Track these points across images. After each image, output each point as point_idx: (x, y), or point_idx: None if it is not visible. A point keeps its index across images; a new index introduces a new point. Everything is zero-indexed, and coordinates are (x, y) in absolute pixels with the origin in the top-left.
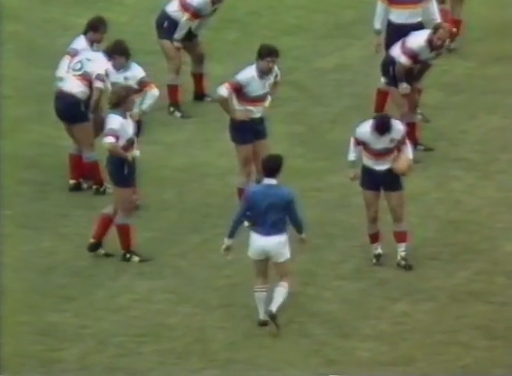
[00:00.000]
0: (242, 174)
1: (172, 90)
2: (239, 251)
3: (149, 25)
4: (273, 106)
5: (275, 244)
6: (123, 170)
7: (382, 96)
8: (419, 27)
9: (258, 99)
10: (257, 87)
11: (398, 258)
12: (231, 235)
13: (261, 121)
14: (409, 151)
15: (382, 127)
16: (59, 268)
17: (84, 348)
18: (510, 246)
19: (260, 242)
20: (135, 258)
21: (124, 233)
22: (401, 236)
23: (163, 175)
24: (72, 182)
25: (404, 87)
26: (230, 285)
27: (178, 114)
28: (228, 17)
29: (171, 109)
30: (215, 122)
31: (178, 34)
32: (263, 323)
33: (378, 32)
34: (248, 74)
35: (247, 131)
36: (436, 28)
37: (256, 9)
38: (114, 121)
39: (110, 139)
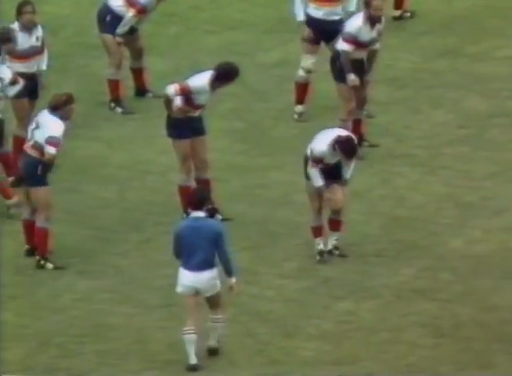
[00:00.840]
0: (182, 171)
1: (113, 85)
2: None
3: (90, 18)
4: (215, 102)
5: (206, 280)
6: (37, 170)
7: (301, 88)
8: (339, 23)
9: (201, 106)
10: (204, 97)
11: (330, 246)
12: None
13: (199, 118)
14: (350, 168)
15: (352, 153)
16: (3, 266)
17: (26, 348)
18: (455, 242)
19: (189, 278)
20: (49, 266)
21: (43, 237)
22: (335, 224)
23: (103, 173)
24: (11, 178)
25: (352, 79)
26: (171, 285)
27: (119, 110)
28: (169, 11)
29: (112, 104)
30: (157, 118)
31: (122, 29)
32: (192, 368)
33: (303, 23)
34: (201, 83)
35: (184, 127)
36: (367, 2)
37: (198, 4)
38: (58, 128)
39: (53, 151)
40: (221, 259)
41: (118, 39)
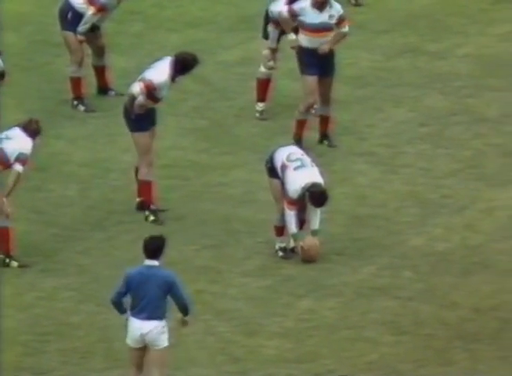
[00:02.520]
0: (143, 164)
1: (75, 83)
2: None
3: (52, 15)
4: (177, 100)
5: (153, 330)
6: None
7: (262, 85)
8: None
9: (162, 99)
10: (166, 90)
11: (292, 244)
12: (122, 311)
13: (154, 109)
14: (317, 216)
15: (321, 205)
16: None
17: None
18: (416, 240)
19: (137, 326)
20: (14, 264)
21: (4, 236)
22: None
23: (66, 171)
24: None
25: (290, 40)
26: None
27: (81, 108)
28: (131, 9)
29: (75, 102)
30: (120, 116)
31: (83, 27)
32: None
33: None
34: (163, 78)
35: (145, 120)
36: None
37: (160, 2)
38: (28, 145)
39: (21, 169)
40: (178, 305)
41: (80, 37)
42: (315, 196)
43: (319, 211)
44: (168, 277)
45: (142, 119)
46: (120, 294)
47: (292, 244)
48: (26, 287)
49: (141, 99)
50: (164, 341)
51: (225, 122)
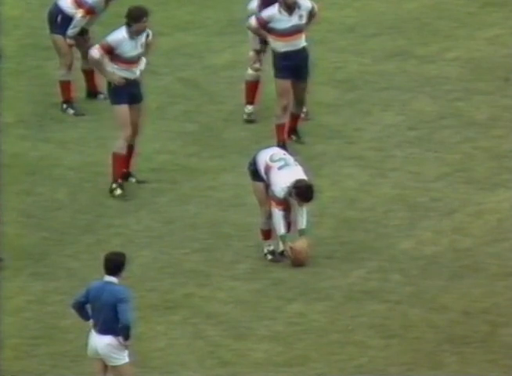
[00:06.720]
0: (120, 138)
1: (64, 86)
2: (133, 250)
3: (41, 19)
4: (166, 104)
5: (105, 346)
6: None
7: (251, 88)
8: None
9: (132, 61)
10: (129, 48)
11: (282, 248)
12: (86, 318)
13: (136, 84)
14: (304, 215)
15: (308, 199)
16: None
17: None
18: (406, 243)
19: (93, 340)
20: None
21: None
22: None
23: (55, 174)
24: None
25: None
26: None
27: (71, 111)
28: (119, 13)
29: (64, 106)
30: (109, 120)
31: (72, 31)
32: None
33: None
34: (118, 36)
35: (123, 93)
36: None
37: (148, 5)
38: None
39: None
40: (119, 324)
41: (69, 41)
42: (302, 190)
43: (305, 210)
44: (118, 292)
45: (118, 92)
46: (79, 303)
47: (281, 247)
48: (15, 290)
49: (107, 63)
50: (119, 359)
51: (214, 126)
